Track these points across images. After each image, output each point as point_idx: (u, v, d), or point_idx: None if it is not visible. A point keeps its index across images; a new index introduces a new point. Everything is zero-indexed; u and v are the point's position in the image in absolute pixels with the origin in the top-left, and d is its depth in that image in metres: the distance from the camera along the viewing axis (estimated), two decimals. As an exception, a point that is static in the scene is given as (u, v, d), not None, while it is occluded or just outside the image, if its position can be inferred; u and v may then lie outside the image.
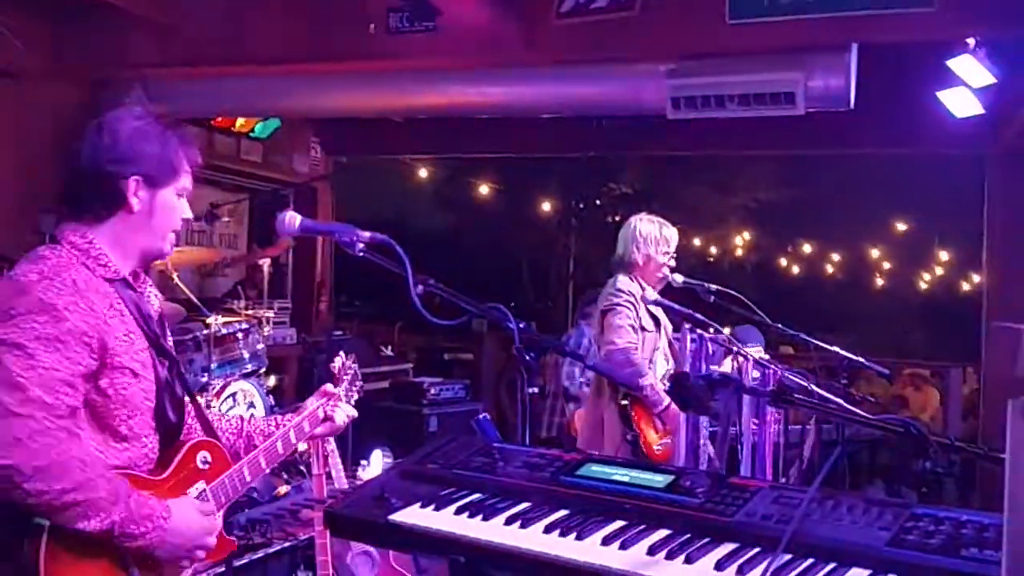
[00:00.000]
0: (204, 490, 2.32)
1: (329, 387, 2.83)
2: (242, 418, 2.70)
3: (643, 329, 4.35)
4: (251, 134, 9.37)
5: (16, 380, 1.96)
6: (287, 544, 4.50)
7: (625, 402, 4.21)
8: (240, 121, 9.09)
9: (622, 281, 4.44)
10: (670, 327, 4.58)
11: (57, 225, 2.27)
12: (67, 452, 1.98)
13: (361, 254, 2.50)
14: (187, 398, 2.44)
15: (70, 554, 2.01)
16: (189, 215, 2.40)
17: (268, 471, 2.63)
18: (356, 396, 2.92)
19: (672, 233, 4.59)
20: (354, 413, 2.84)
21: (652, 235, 4.52)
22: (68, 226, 2.23)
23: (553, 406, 8.40)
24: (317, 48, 6.70)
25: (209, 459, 2.36)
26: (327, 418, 2.75)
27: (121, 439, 2.17)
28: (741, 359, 4.35)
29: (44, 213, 7.39)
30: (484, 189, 15.02)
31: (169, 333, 2.47)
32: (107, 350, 2.12)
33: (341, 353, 3.00)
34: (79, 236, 2.21)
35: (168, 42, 7.04)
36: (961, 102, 6.60)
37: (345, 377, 2.90)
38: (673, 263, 4.56)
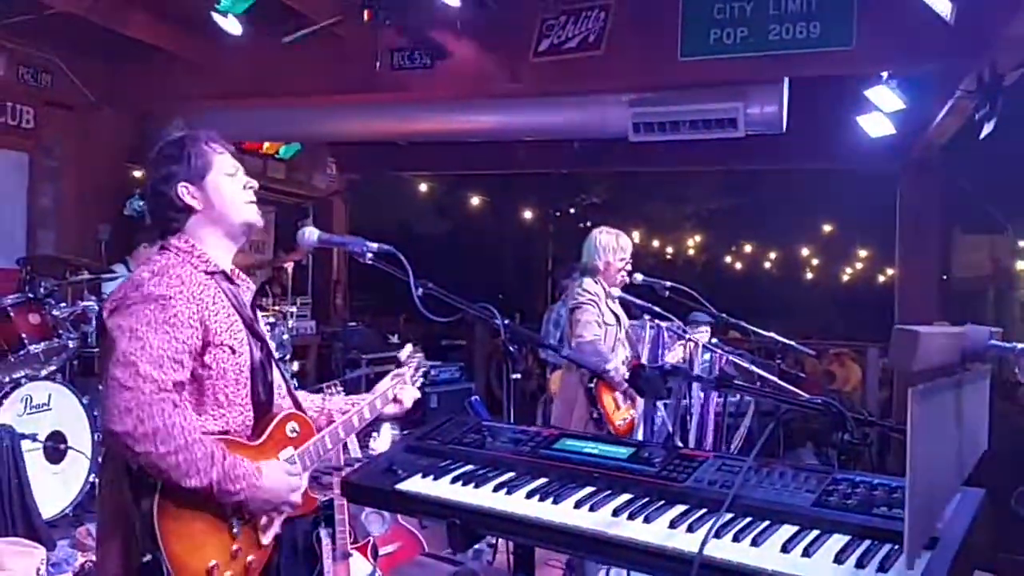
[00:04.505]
0: (293, 455, 2.31)
1: (399, 370, 2.73)
2: (322, 397, 2.67)
3: (606, 324, 4.34)
4: (276, 155, 9.33)
5: (128, 359, 2.00)
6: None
7: (591, 384, 4.21)
8: (266, 144, 9.06)
9: (587, 283, 4.43)
10: (627, 320, 4.58)
11: (162, 239, 2.30)
12: (170, 420, 1.99)
13: (370, 262, 2.45)
14: (277, 377, 2.41)
15: (178, 507, 2.04)
16: (253, 184, 2.37)
17: (345, 440, 2.56)
18: (420, 380, 2.81)
19: (627, 242, 4.57)
20: (418, 395, 2.72)
21: (610, 244, 4.49)
22: (171, 238, 2.27)
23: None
24: (332, 83, 6.70)
25: (297, 429, 2.35)
26: (396, 399, 2.66)
27: (220, 406, 2.19)
28: (692, 345, 4.38)
29: (101, 224, 7.38)
30: (475, 200, 14.99)
31: (262, 323, 2.45)
32: (209, 330, 2.14)
33: (408, 344, 2.87)
34: (181, 241, 2.25)
35: (205, 78, 7.03)
36: (876, 125, 6.64)
37: (411, 363, 2.78)
38: (630, 267, 4.54)
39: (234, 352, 2.20)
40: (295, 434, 2.35)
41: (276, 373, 2.41)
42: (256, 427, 2.28)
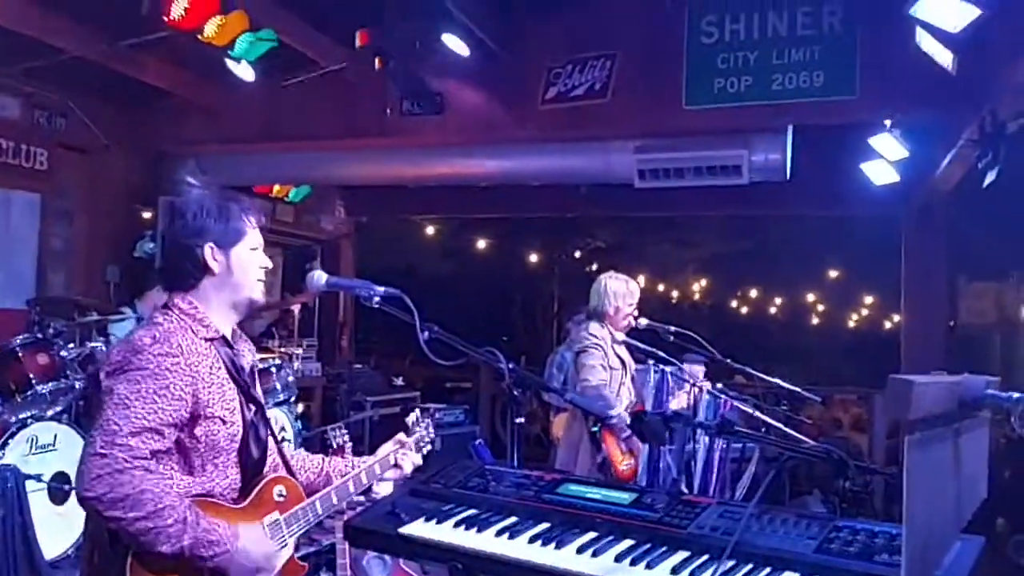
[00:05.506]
0: (278, 519, 2.30)
1: (402, 436, 2.72)
2: (323, 458, 2.65)
3: (611, 368, 4.36)
4: (286, 199, 9.42)
5: (110, 427, 2.02)
6: (311, 549, 4.46)
7: (595, 429, 4.22)
8: (276, 187, 9.15)
9: (594, 327, 4.46)
10: (633, 365, 4.60)
11: (169, 294, 2.31)
12: (140, 487, 1.99)
13: (377, 305, 2.48)
14: (271, 438, 2.41)
15: (151, 572, 2.04)
16: (268, 264, 2.41)
17: (339, 506, 2.52)
18: (428, 447, 2.80)
19: (635, 287, 4.62)
20: (419, 462, 2.70)
21: (620, 290, 4.54)
22: (176, 295, 2.29)
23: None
24: (342, 128, 6.80)
25: (285, 493, 2.34)
26: (397, 464, 2.65)
27: (206, 473, 2.19)
28: (696, 390, 4.39)
29: (110, 265, 7.45)
30: (482, 243, 15.07)
31: (258, 382, 2.46)
32: (200, 402, 2.15)
33: (417, 410, 2.87)
34: (186, 303, 2.27)
35: (217, 123, 7.15)
36: (880, 173, 6.68)
37: (417, 429, 2.78)
38: (636, 312, 4.58)
39: (224, 423, 2.21)
40: (282, 498, 2.33)
41: (269, 433, 2.40)
42: (244, 487, 2.27)
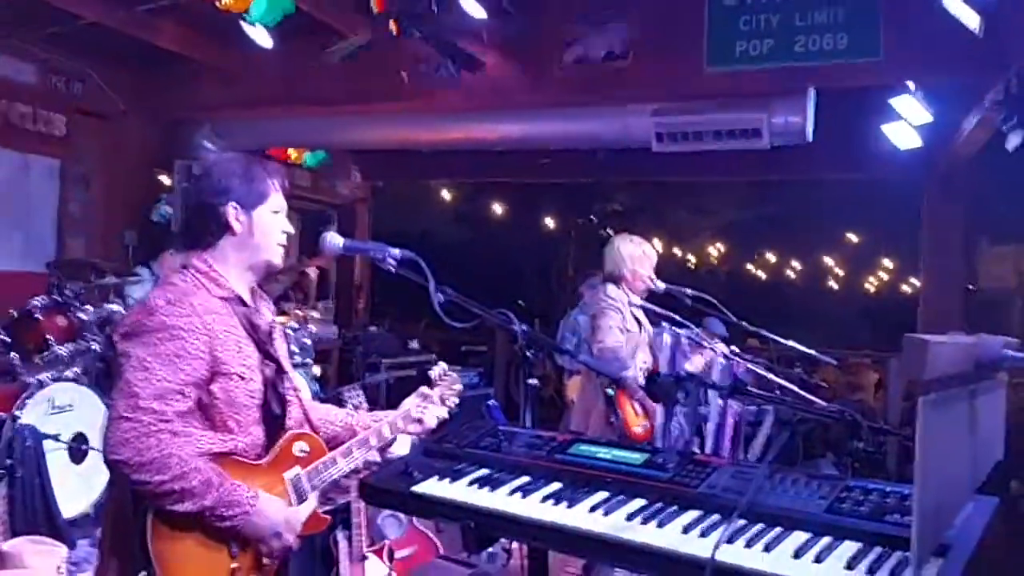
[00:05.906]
0: (299, 474, 2.31)
1: (425, 390, 2.70)
2: (348, 412, 2.68)
3: (627, 330, 4.36)
4: (302, 164, 9.42)
5: (132, 389, 2.04)
6: (327, 508, 4.50)
7: (610, 391, 4.21)
8: (292, 152, 9.14)
9: (611, 289, 4.45)
10: (650, 327, 4.59)
11: (185, 254, 2.31)
12: (166, 450, 2.02)
13: (392, 268, 2.45)
14: (294, 394, 2.42)
15: (172, 527, 2.07)
16: (289, 229, 2.40)
17: (359, 460, 2.51)
18: (454, 400, 2.75)
19: (651, 250, 4.59)
20: (444, 415, 2.69)
21: (634, 254, 4.51)
22: (193, 254, 2.29)
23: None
24: (357, 92, 6.76)
25: (306, 448, 2.35)
26: (419, 419, 2.64)
27: (228, 431, 2.19)
28: (711, 352, 4.37)
29: (127, 230, 7.50)
30: (497, 208, 15.02)
31: (279, 340, 2.46)
32: (218, 360, 2.15)
33: (441, 363, 2.83)
34: (202, 262, 2.26)
35: (233, 88, 7.13)
36: (902, 136, 6.59)
37: (442, 383, 2.74)
38: (654, 275, 4.56)
39: (243, 379, 2.22)
40: (303, 454, 2.35)
41: (290, 389, 2.42)
42: (267, 443, 2.29)
